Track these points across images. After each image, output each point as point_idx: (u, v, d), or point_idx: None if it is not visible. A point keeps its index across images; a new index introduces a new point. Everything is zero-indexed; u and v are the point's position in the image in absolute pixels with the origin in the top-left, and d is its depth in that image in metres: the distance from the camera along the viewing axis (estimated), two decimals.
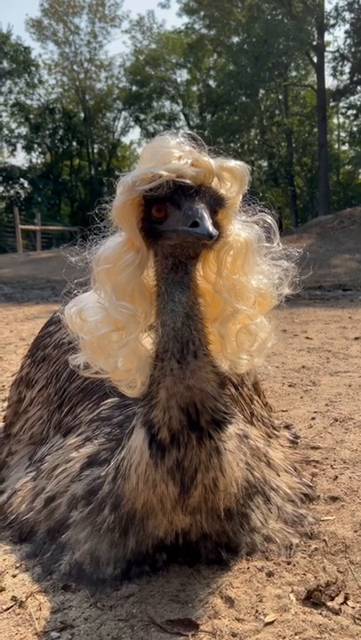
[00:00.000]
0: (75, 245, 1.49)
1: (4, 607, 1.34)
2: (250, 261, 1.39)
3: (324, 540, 1.55)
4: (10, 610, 1.33)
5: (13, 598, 1.36)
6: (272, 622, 1.25)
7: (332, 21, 24.15)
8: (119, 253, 1.33)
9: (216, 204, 1.28)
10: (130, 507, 1.37)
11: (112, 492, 1.41)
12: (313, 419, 2.59)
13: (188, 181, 1.21)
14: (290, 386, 3.19)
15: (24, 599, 1.36)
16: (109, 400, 1.69)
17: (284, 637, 1.20)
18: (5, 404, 2.88)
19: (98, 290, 1.37)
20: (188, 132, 1.34)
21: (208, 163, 1.25)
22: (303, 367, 3.62)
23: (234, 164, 1.32)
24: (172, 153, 1.24)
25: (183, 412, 1.29)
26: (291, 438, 2.20)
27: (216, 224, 1.26)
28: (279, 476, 1.70)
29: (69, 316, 1.42)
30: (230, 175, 1.32)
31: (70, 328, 1.43)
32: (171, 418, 1.29)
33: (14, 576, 1.46)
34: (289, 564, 1.46)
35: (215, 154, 1.32)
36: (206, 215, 1.18)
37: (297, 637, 1.20)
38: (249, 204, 1.45)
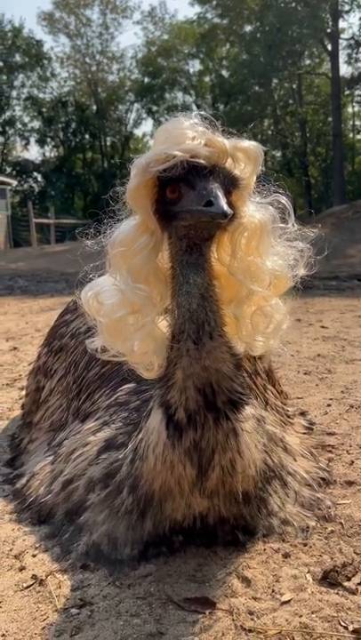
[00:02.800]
0: (88, 236, 1.50)
1: (25, 585, 1.37)
2: (264, 243, 1.39)
3: (341, 523, 1.56)
4: (30, 588, 1.36)
5: (33, 577, 1.39)
6: (289, 601, 1.26)
7: (346, 8, 23.79)
8: (134, 236, 1.34)
9: (230, 184, 1.28)
10: (147, 488, 1.39)
11: (130, 473, 1.43)
12: (328, 405, 2.59)
13: (201, 161, 1.21)
14: (305, 374, 3.19)
15: (44, 577, 1.38)
16: (126, 386, 1.70)
17: (301, 616, 1.21)
18: (23, 393, 2.92)
19: (113, 273, 1.38)
20: (202, 112, 1.34)
21: (222, 143, 1.25)
22: (318, 355, 3.61)
23: (248, 144, 1.32)
24: (185, 134, 1.25)
25: (200, 392, 1.30)
26: (306, 425, 2.20)
27: (230, 205, 1.26)
28: (296, 460, 1.71)
29: (86, 299, 1.44)
30: (244, 155, 1.32)
31: (87, 311, 1.44)
32: (187, 398, 1.30)
33: (34, 556, 1.49)
34: (305, 545, 1.47)
35: (229, 134, 1.32)
36: (220, 194, 1.18)
37: (314, 616, 1.21)
38: (263, 185, 1.45)
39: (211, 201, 1.17)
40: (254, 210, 1.39)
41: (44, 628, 1.21)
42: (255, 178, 1.39)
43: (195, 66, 36.64)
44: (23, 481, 1.79)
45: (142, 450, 1.39)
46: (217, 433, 1.31)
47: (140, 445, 1.40)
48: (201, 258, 1.31)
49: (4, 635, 1.20)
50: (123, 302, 1.36)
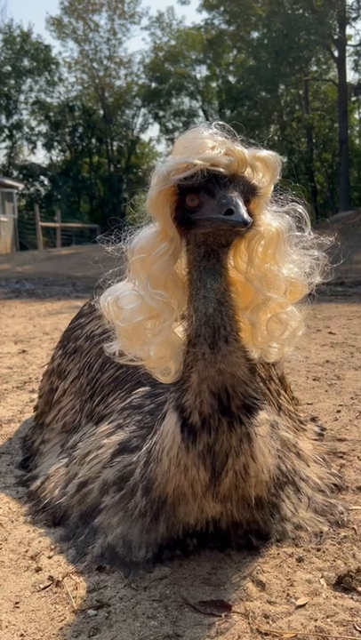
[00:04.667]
0: (108, 242, 1.52)
1: (42, 586, 1.38)
2: (281, 250, 1.40)
3: (354, 529, 1.57)
4: (47, 589, 1.37)
5: (50, 578, 1.41)
6: (303, 605, 1.27)
7: (353, 14, 23.85)
8: (153, 243, 1.36)
9: (249, 193, 1.30)
10: (161, 491, 1.40)
11: (144, 476, 1.44)
12: (338, 412, 2.60)
13: (222, 170, 1.23)
14: (314, 379, 3.20)
15: (60, 579, 1.40)
16: (141, 389, 1.72)
17: (316, 620, 1.22)
18: (34, 395, 2.94)
19: (133, 279, 1.40)
20: (221, 122, 1.36)
21: (242, 152, 1.27)
22: (327, 362, 3.62)
23: (266, 153, 1.34)
24: (205, 143, 1.27)
25: (214, 396, 1.32)
26: (317, 431, 2.22)
27: (248, 213, 1.28)
28: (309, 466, 1.72)
29: (105, 304, 1.46)
30: (263, 165, 1.34)
31: (106, 316, 1.47)
32: (202, 402, 1.32)
33: (50, 557, 1.50)
34: (319, 550, 1.48)
35: (247, 144, 1.34)
36: (240, 202, 1.20)
37: (329, 620, 1.22)
38: (281, 194, 1.47)
39: (231, 209, 1.19)
40: (271, 218, 1.41)
41: (61, 628, 1.22)
42: (273, 187, 1.41)
43: (202, 71, 36.78)
44: (37, 483, 1.80)
45: (156, 452, 1.40)
46: (231, 437, 1.32)
47: (154, 448, 1.42)
48: (218, 264, 1.33)
49: (22, 635, 1.22)
50: (142, 307, 1.38)
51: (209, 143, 1.27)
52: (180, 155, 1.30)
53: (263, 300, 1.41)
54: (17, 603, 1.33)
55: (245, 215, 1.18)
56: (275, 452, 1.43)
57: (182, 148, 1.31)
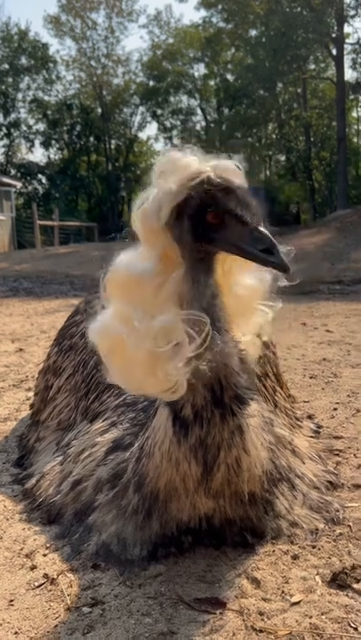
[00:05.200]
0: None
1: (36, 584, 1.38)
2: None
3: (349, 526, 1.57)
4: (42, 587, 1.37)
5: (45, 576, 1.41)
6: (298, 602, 1.27)
7: (351, 12, 23.82)
8: (153, 272, 1.32)
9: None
10: (153, 486, 1.40)
11: (136, 472, 1.44)
12: (335, 409, 2.60)
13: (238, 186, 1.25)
14: (311, 377, 3.20)
15: (55, 576, 1.40)
16: None
17: (311, 617, 1.22)
18: (30, 394, 2.94)
19: (128, 308, 1.33)
20: (191, 146, 1.35)
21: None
22: (324, 359, 3.62)
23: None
24: (192, 163, 1.28)
25: (207, 388, 1.32)
26: (313, 428, 2.22)
27: None
28: (304, 463, 1.72)
29: (102, 334, 1.38)
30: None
31: (100, 347, 1.39)
32: (195, 394, 1.32)
33: (45, 555, 1.50)
34: (314, 547, 1.48)
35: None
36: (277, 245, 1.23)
37: (323, 617, 1.22)
38: None
39: (271, 250, 1.22)
40: None
41: (56, 626, 1.22)
42: None
43: (200, 69, 36.73)
44: (33, 481, 1.80)
45: (148, 447, 1.40)
46: (223, 429, 1.32)
47: (146, 443, 1.42)
48: (211, 263, 1.36)
49: (16, 633, 1.22)
50: (153, 334, 1.30)
51: (195, 163, 1.28)
52: (171, 175, 1.28)
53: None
54: (12, 600, 1.32)
55: (287, 262, 1.22)
56: (267, 445, 1.43)
57: (171, 168, 1.30)
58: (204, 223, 1.27)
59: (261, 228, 1.24)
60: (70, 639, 1.18)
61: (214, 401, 1.33)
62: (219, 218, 1.26)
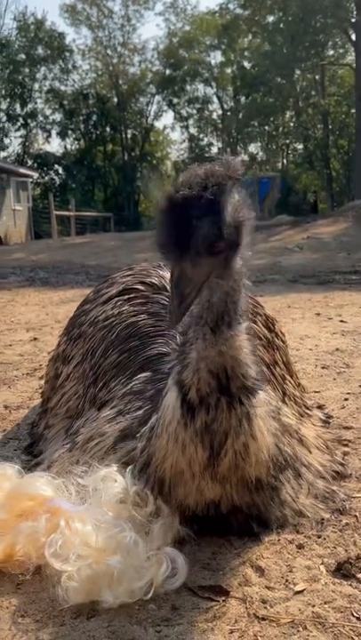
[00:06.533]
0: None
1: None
2: None
3: (355, 516, 1.56)
4: None
5: None
6: (302, 591, 1.27)
7: None
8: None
9: None
10: (159, 466, 1.40)
11: (143, 452, 1.45)
12: (346, 400, 2.58)
13: None
14: (323, 367, 3.17)
15: None
16: (142, 375, 1.72)
17: (314, 606, 1.22)
18: (43, 382, 2.96)
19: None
20: None
21: None
22: (337, 350, 3.59)
23: None
24: None
25: (213, 375, 1.32)
26: (323, 418, 2.20)
27: None
28: (311, 453, 1.71)
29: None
30: None
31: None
32: (200, 379, 1.33)
33: None
34: (320, 537, 1.47)
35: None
36: None
37: (326, 606, 1.22)
38: None
39: None
40: None
41: (62, 610, 1.24)
42: None
43: (216, 57, 36.41)
44: (42, 468, 1.82)
45: (157, 427, 1.41)
46: (230, 417, 1.32)
47: (156, 424, 1.43)
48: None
49: (22, 615, 1.24)
50: None
51: None
52: None
53: None
54: (19, 584, 1.34)
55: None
56: (274, 432, 1.43)
57: None
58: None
59: None
60: (74, 623, 1.20)
61: (220, 389, 1.33)
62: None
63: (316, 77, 29.42)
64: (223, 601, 1.25)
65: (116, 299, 2.00)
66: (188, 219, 1.15)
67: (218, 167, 1.23)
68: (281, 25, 26.49)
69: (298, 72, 28.69)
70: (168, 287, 1.34)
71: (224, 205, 1.17)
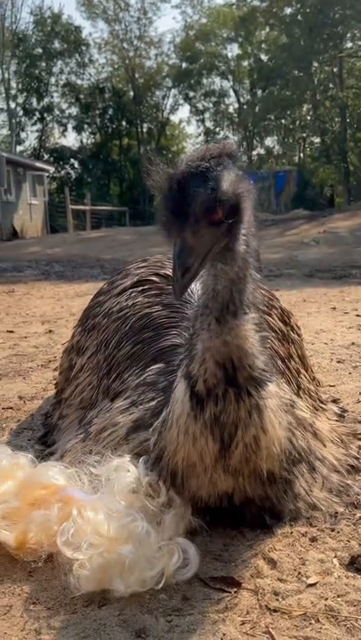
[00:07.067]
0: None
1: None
2: None
3: None
4: None
5: None
6: (314, 584, 1.26)
7: None
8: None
9: None
10: (171, 459, 1.40)
11: (156, 445, 1.45)
12: None
13: None
14: (338, 362, 3.14)
15: None
16: (155, 366, 1.72)
17: (327, 599, 1.21)
18: (57, 373, 2.98)
19: None
20: None
21: None
22: (353, 344, 3.55)
23: None
24: None
25: (219, 366, 1.31)
26: (338, 412, 2.18)
27: None
28: (325, 446, 1.69)
29: None
30: None
31: None
32: (206, 371, 1.32)
33: None
34: (333, 530, 1.46)
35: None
36: None
37: (339, 599, 1.21)
38: None
39: None
40: None
41: (73, 597, 1.24)
42: None
43: (233, 50, 36.12)
44: (55, 458, 1.82)
45: (168, 420, 1.41)
46: (239, 409, 1.32)
47: (167, 417, 1.43)
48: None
49: (34, 603, 1.24)
50: None
51: None
52: None
53: None
54: (31, 572, 1.35)
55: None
56: (286, 425, 1.41)
57: None
58: None
59: None
60: (86, 611, 1.20)
61: (227, 380, 1.32)
62: None
63: (335, 70, 28.99)
64: (235, 592, 1.25)
65: (131, 290, 2.00)
66: (187, 190, 1.17)
67: (213, 145, 1.27)
68: (299, 17, 26.16)
69: (315, 64, 28.32)
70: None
71: (220, 174, 1.20)
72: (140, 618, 1.17)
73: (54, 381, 2.90)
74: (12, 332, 4.42)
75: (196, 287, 1.72)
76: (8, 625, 1.18)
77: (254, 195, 1.31)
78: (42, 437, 2.13)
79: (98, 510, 1.35)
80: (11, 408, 2.58)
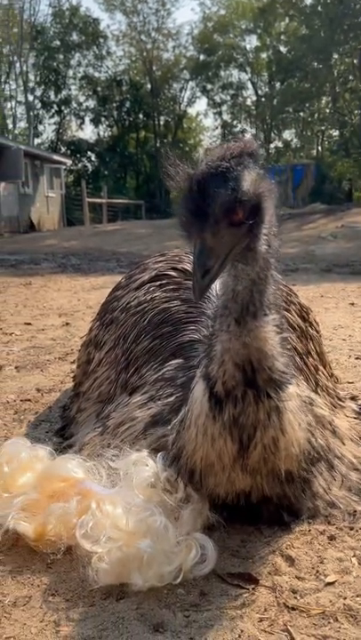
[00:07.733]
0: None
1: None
2: None
3: None
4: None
5: None
6: (333, 583, 1.26)
7: None
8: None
9: None
10: (189, 458, 1.40)
11: (175, 444, 1.45)
12: None
13: None
14: (356, 358, 3.11)
15: None
16: (174, 361, 1.72)
17: (345, 598, 1.20)
18: (75, 366, 3.00)
19: None
20: None
21: None
22: None
23: None
24: None
25: (238, 368, 1.31)
26: (356, 409, 2.15)
27: None
28: (344, 444, 1.68)
29: None
30: None
31: None
32: (225, 372, 1.31)
33: None
34: (352, 529, 1.45)
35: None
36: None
37: (359, 599, 1.20)
38: None
39: None
40: None
41: (91, 590, 1.25)
42: None
43: (251, 42, 35.79)
44: (74, 451, 1.84)
45: (187, 420, 1.41)
46: (258, 410, 1.31)
47: (185, 417, 1.43)
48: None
49: (53, 594, 1.25)
50: None
51: None
52: None
53: None
54: (49, 564, 1.36)
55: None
56: (305, 426, 1.40)
57: None
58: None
59: None
60: (104, 604, 1.21)
61: (246, 382, 1.31)
62: None
63: (355, 61, 28.56)
64: (252, 589, 1.25)
65: (149, 285, 2.00)
66: (207, 191, 1.16)
67: (233, 143, 1.25)
68: (319, 7, 25.79)
69: (335, 56, 27.94)
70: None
71: (241, 174, 1.18)
72: (158, 612, 1.18)
73: (72, 374, 2.91)
74: (29, 324, 4.45)
75: (215, 285, 1.71)
76: (27, 616, 1.19)
77: (276, 194, 1.29)
78: (60, 430, 2.14)
79: (116, 504, 1.36)
80: (29, 400, 2.60)
